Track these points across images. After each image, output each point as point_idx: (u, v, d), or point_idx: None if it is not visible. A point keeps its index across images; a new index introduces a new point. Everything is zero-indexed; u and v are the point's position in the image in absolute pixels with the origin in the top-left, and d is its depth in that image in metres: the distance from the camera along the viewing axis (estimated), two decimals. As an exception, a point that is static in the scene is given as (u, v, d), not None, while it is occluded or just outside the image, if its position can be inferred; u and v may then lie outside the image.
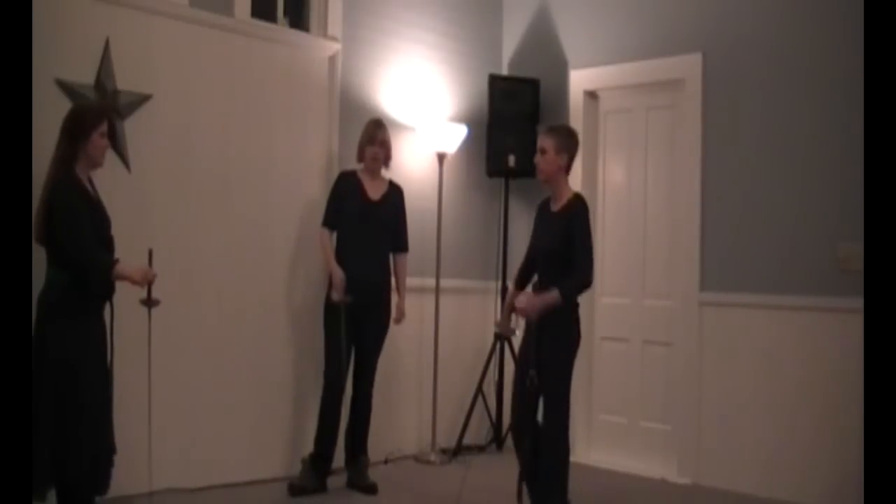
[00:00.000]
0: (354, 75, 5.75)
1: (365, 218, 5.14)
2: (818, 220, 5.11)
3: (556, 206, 4.44)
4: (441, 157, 6.01)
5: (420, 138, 6.03)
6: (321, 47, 5.56)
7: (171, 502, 4.66)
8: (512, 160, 6.16)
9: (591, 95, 6.24)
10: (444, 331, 6.03)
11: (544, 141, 4.42)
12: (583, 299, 6.09)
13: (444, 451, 5.96)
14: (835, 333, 4.97)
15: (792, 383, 5.15)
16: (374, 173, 5.27)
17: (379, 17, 5.89)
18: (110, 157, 4.48)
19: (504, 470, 4.94)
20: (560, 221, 4.37)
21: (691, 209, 5.61)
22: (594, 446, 6.12)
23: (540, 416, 4.35)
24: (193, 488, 4.85)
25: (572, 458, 5.99)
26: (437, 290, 5.95)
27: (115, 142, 4.55)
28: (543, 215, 4.54)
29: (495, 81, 6.29)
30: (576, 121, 6.21)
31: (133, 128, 4.67)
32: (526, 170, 6.13)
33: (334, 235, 5.18)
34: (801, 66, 5.23)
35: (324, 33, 5.63)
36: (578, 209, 4.37)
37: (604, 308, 6.15)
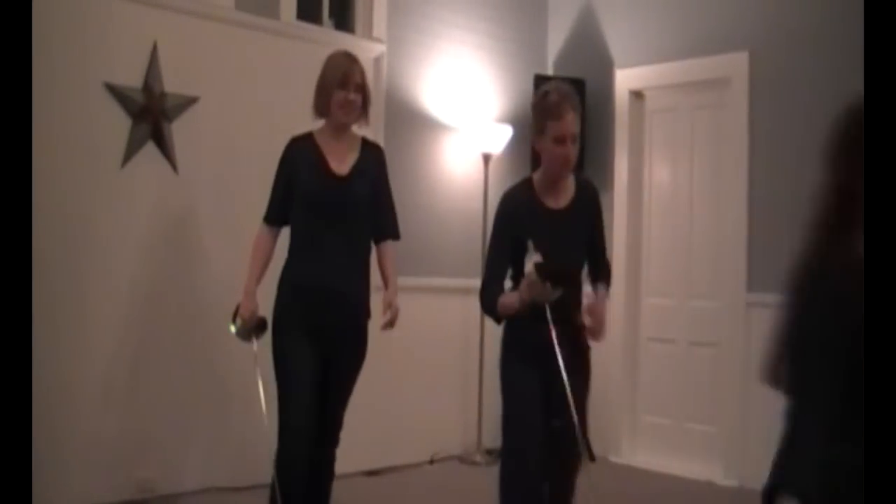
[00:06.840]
0: (399, 76, 5.79)
1: (329, 201, 3.57)
2: (868, 219, 5.03)
3: (561, 202, 3.28)
4: (486, 158, 6.02)
5: (465, 139, 6.04)
6: (366, 49, 5.59)
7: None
8: (557, 160, 6.15)
9: (637, 95, 6.20)
10: (489, 330, 6.02)
11: (574, 124, 3.16)
12: (627, 300, 6.17)
13: (489, 452, 5.94)
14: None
15: (841, 385, 5.07)
16: (342, 131, 3.65)
17: (423, 19, 5.92)
18: (158, 159, 4.58)
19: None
20: (581, 222, 3.32)
21: (738, 209, 5.55)
22: (639, 448, 6.09)
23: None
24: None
25: (616, 460, 6.06)
26: (482, 291, 5.94)
27: (163, 144, 4.64)
28: (539, 216, 3.25)
29: (541, 82, 6.26)
30: (621, 120, 6.20)
31: (180, 130, 4.75)
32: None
33: (282, 232, 3.76)
34: (848, 63, 5.13)
35: (369, 35, 5.68)
36: (598, 200, 3.42)
37: (649, 308, 6.12)
